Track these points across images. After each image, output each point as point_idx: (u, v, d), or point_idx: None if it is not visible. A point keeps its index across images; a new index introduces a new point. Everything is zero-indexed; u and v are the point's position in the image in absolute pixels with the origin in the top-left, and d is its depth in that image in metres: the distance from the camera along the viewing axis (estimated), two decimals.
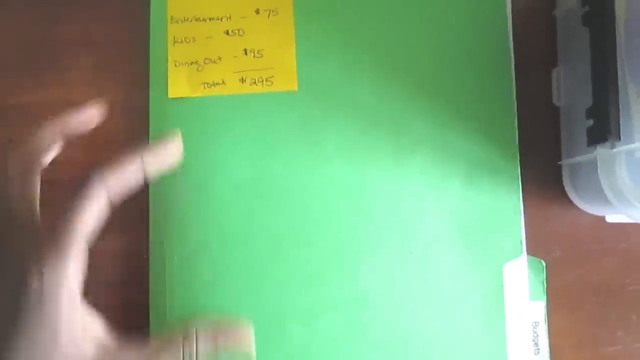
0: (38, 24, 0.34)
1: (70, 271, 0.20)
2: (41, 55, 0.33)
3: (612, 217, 0.31)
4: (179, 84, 0.32)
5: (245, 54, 0.33)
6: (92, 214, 0.21)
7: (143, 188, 0.31)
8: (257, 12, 0.33)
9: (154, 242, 0.31)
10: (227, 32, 0.33)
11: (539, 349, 0.31)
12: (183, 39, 0.33)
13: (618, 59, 0.26)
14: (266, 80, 0.32)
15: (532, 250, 0.31)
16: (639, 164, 0.26)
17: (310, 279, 0.31)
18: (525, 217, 0.32)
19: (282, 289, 0.31)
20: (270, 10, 0.33)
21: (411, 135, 0.32)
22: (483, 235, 0.31)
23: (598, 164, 0.27)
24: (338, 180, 0.32)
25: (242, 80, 0.32)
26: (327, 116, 0.32)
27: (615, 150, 0.26)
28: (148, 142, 0.25)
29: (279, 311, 0.31)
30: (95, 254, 0.22)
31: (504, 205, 0.32)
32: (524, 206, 0.32)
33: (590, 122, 0.27)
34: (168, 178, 0.31)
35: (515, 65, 0.32)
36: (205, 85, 0.32)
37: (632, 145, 0.25)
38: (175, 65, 0.32)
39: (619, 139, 0.25)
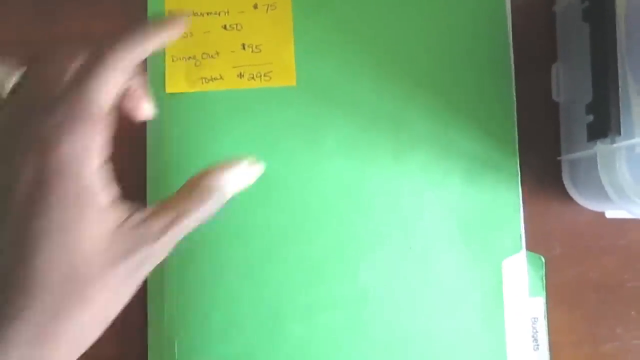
0: (38, 21, 0.33)
1: (92, 140, 0.19)
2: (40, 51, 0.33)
3: (611, 213, 0.31)
4: (176, 79, 0.32)
5: (243, 49, 0.32)
6: (109, 81, 0.20)
7: (141, 187, 0.31)
8: (255, 6, 0.33)
9: None
10: (225, 27, 0.33)
11: (538, 345, 0.31)
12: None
13: (618, 54, 0.26)
14: (264, 76, 0.32)
15: (531, 247, 0.31)
16: (639, 160, 0.26)
17: (310, 276, 0.31)
18: (524, 213, 0.32)
19: (281, 286, 0.31)
20: (268, 5, 0.33)
21: (411, 132, 0.32)
22: (482, 232, 0.31)
23: (598, 159, 0.26)
24: (337, 177, 0.31)
25: (240, 75, 0.32)
26: (326, 112, 0.32)
27: (615, 145, 0.26)
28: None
29: (278, 308, 0.30)
30: None
31: (504, 202, 0.31)
32: (524, 202, 0.32)
33: (591, 117, 0.27)
34: (165, 175, 0.31)
35: (514, 61, 0.32)
36: (203, 80, 0.32)
37: (633, 141, 0.25)
38: (173, 60, 0.32)
39: (619, 134, 0.25)
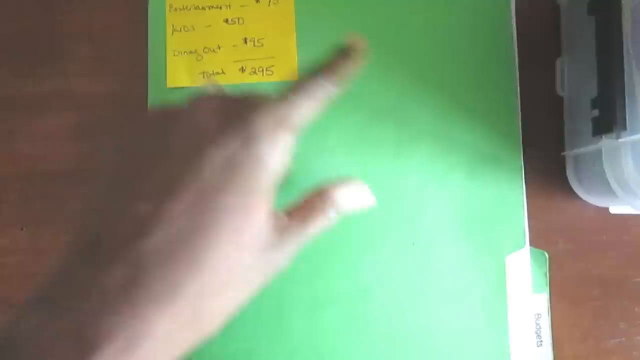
0: (39, 15, 0.33)
1: (281, 145, 0.20)
2: (41, 45, 0.33)
3: (615, 209, 0.31)
4: (178, 73, 0.32)
5: (245, 43, 0.32)
6: (310, 104, 0.22)
7: None
8: (257, 0, 0.32)
9: None
10: (226, 21, 0.32)
11: (541, 340, 0.31)
12: (182, 28, 0.32)
13: (624, 48, 0.26)
14: (266, 70, 0.32)
15: (534, 242, 0.31)
16: None
17: (312, 272, 0.31)
18: (528, 208, 0.31)
19: (284, 282, 0.30)
20: None
21: (413, 127, 0.32)
22: (486, 227, 0.31)
23: (603, 154, 0.26)
24: (340, 172, 0.31)
25: (242, 69, 0.32)
26: (328, 107, 0.32)
27: (621, 140, 0.25)
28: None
29: (281, 304, 0.30)
30: None
31: (507, 197, 0.31)
32: (527, 198, 0.31)
33: (596, 112, 0.27)
34: None
35: (518, 55, 0.32)
36: (205, 74, 0.32)
37: (638, 135, 0.25)
38: (174, 54, 0.32)
39: (625, 128, 0.25)
